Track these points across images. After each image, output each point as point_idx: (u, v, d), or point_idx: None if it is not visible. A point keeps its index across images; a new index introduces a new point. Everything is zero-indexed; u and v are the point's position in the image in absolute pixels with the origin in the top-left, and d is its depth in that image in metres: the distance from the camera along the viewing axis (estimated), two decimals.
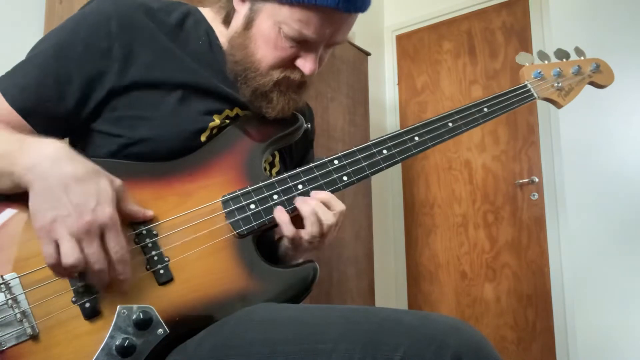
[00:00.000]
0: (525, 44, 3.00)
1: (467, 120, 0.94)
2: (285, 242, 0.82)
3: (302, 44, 0.79)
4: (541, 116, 2.89)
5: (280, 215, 0.77)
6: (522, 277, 2.87)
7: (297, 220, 0.78)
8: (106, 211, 0.64)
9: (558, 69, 1.08)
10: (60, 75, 0.75)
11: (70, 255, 0.62)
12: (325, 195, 0.79)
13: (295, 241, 0.79)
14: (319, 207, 0.77)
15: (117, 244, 0.64)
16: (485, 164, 3.07)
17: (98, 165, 0.68)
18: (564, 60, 1.12)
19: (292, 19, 0.75)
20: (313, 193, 0.80)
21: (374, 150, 0.86)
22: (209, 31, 0.86)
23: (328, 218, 0.77)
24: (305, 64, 0.80)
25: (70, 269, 0.63)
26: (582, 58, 1.13)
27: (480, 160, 3.09)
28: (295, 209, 0.78)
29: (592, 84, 1.13)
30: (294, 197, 0.79)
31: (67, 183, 0.63)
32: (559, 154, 2.64)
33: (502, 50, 3.10)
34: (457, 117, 0.93)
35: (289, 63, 0.80)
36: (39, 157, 0.65)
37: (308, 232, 0.77)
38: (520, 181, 2.92)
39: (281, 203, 0.79)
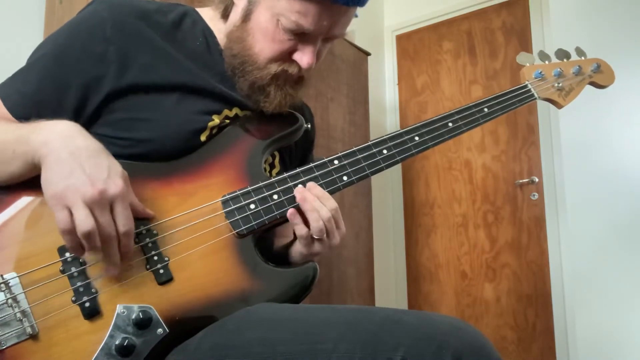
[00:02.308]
0: (525, 44, 3.00)
1: (467, 121, 0.94)
2: (298, 247, 0.82)
3: (300, 37, 0.79)
4: (541, 116, 2.89)
5: (294, 217, 0.78)
6: (522, 277, 2.87)
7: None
8: (118, 183, 0.65)
9: (559, 69, 1.08)
10: (58, 82, 0.76)
11: (84, 222, 0.62)
12: (319, 191, 0.80)
13: (307, 241, 0.79)
14: (317, 203, 0.78)
15: (125, 217, 0.66)
16: (485, 164, 3.06)
17: None
18: (565, 60, 1.11)
19: (290, 11, 0.75)
20: (309, 185, 0.80)
21: (374, 150, 0.86)
22: (206, 32, 0.86)
23: (325, 213, 0.78)
24: (303, 57, 0.80)
25: (84, 237, 0.63)
26: (583, 58, 1.13)
27: (480, 160, 3.08)
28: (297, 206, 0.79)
29: (592, 84, 1.13)
30: (294, 196, 0.79)
31: (80, 155, 0.65)
32: (559, 154, 2.64)
33: (502, 50, 3.09)
34: (458, 117, 0.93)
35: (286, 56, 0.81)
36: (52, 133, 0.67)
37: (314, 228, 0.77)
38: (520, 181, 2.92)
39: (281, 203, 0.79)
